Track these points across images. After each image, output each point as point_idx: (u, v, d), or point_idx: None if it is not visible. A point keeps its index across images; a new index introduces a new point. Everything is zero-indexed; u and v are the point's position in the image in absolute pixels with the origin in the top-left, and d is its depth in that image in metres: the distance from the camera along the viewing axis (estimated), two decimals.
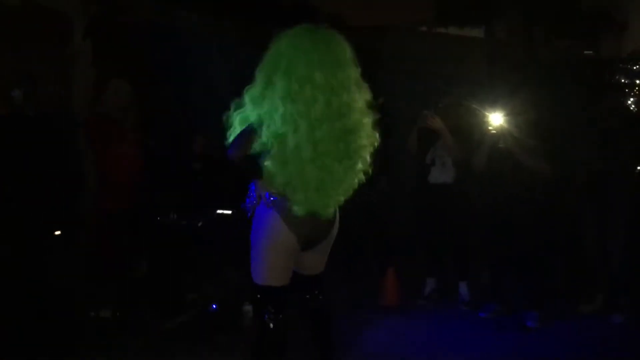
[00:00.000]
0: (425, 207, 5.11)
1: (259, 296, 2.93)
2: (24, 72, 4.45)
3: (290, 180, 2.69)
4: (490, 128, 4.57)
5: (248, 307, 4.57)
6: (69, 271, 4.64)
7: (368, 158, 2.83)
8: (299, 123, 2.62)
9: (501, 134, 4.53)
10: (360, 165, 2.81)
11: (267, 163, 2.72)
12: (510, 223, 4.66)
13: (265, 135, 2.68)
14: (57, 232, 4.27)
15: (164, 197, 4.88)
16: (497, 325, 4.64)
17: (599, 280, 4.89)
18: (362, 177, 2.85)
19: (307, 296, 3.15)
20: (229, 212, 4.86)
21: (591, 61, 7.35)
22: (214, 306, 4.69)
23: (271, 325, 2.88)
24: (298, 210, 2.72)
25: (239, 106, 2.78)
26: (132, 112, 4.60)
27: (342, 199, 2.86)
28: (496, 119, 4.56)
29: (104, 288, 4.73)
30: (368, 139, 2.80)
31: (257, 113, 2.71)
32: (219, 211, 4.92)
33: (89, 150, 4.63)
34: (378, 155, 4.43)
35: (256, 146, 2.72)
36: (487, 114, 4.63)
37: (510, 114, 4.57)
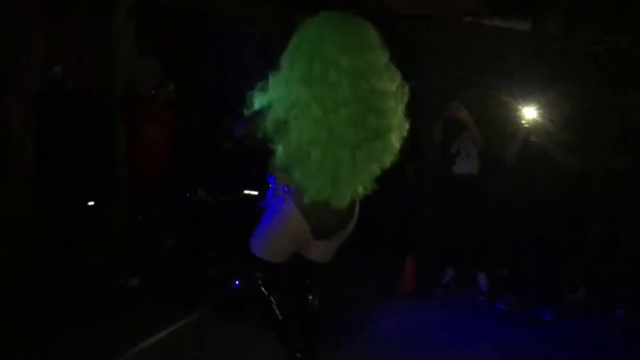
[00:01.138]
0: (448, 197, 5.14)
1: (251, 262, 2.91)
2: (67, 49, 4.67)
3: (301, 167, 2.60)
4: (523, 122, 4.54)
5: None
6: (102, 240, 4.90)
7: (396, 142, 2.69)
8: (312, 107, 2.53)
9: (534, 127, 4.49)
10: (383, 150, 2.66)
11: (278, 149, 2.63)
12: (533, 216, 4.64)
13: (275, 120, 2.59)
14: (91, 203, 4.49)
15: (193, 174, 5.06)
16: (513, 317, 4.65)
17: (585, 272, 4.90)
18: (386, 164, 2.72)
19: (309, 286, 3.08)
20: (256, 192, 5.01)
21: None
22: (237, 282, 4.86)
23: (259, 289, 2.89)
24: (308, 198, 2.64)
25: (262, 89, 2.70)
26: (163, 91, 4.73)
27: (360, 189, 2.71)
28: (529, 113, 4.52)
29: (133, 258, 4.99)
30: (396, 124, 2.67)
31: (271, 97, 2.63)
32: (246, 191, 5.07)
33: (122, 127, 4.84)
34: (406, 143, 4.51)
35: (269, 131, 2.63)
36: (517, 106, 4.61)
37: (543, 107, 4.54)
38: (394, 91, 2.64)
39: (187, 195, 5.01)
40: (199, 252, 5.00)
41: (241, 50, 5.89)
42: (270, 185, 2.82)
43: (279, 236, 2.83)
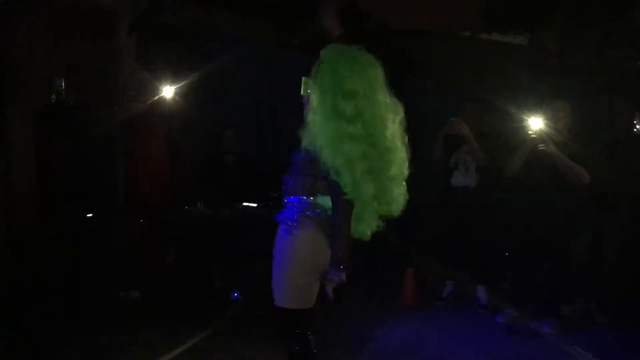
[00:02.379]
0: (447, 210, 5.15)
1: (283, 321, 2.67)
2: (68, 64, 4.72)
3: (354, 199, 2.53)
4: (530, 132, 4.53)
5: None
6: (104, 253, 4.92)
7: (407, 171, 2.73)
8: (370, 143, 2.53)
9: (540, 137, 4.48)
10: (404, 185, 2.73)
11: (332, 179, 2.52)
12: (535, 229, 4.65)
13: (329, 156, 2.51)
14: (89, 215, 4.51)
15: (192, 188, 5.09)
16: (513, 330, 4.63)
17: (581, 284, 4.89)
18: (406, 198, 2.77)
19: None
20: (254, 205, 5.03)
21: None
22: (236, 294, 4.86)
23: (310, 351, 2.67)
24: (357, 233, 2.61)
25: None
26: (159, 105, 4.78)
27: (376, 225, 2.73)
28: (536, 123, 4.51)
29: (134, 272, 5.00)
30: (403, 163, 2.69)
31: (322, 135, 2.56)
32: (245, 204, 5.10)
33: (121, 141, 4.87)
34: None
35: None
36: (522, 117, 4.62)
37: (549, 118, 4.56)
38: (399, 128, 2.67)
39: (187, 209, 5.03)
40: (200, 265, 5.00)
41: (242, 65, 5.94)
42: (297, 204, 2.68)
43: (307, 270, 2.62)
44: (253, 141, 5.39)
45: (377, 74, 2.62)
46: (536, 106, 4.63)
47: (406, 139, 2.69)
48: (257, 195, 5.01)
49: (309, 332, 2.67)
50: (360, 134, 2.51)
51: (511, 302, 4.88)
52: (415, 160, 5.40)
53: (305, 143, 2.63)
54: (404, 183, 2.73)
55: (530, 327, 4.63)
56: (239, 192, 5.21)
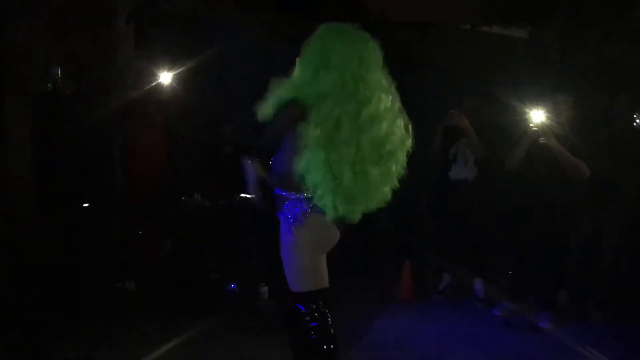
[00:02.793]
0: (444, 202, 5.14)
1: (301, 305, 2.66)
2: (66, 53, 4.69)
3: (320, 180, 2.51)
4: (531, 125, 4.49)
5: (264, 288, 4.72)
6: (100, 243, 4.90)
7: (403, 160, 2.66)
8: (345, 123, 2.48)
9: (542, 130, 4.44)
10: (394, 169, 2.62)
11: (302, 162, 2.52)
12: (534, 222, 4.63)
13: (307, 134, 2.49)
14: (85, 205, 4.48)
15: (189, 178, 5.06)
16: (510, 323, 4.62)
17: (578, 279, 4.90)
18: (396, 182, 2.66)
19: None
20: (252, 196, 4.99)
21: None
22: (232, 285, 4.85)
23: (326, 339, 2.64)
24: (327, 215, 2.56)
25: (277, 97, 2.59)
26: (156, 96, 4.75)
27: (374, 206, 2.65)
28: (537, 116, 4.47)
29: (130, 263, 4.98)
30: (402, 140, 2.63)
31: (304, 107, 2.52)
32: (243, 195, 5.06)
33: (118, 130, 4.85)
34: None
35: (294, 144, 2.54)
36: (523, 110, 4.59)
37: (550, 112, 4.52)
38: (397, 107, 2.64)
39: (184, 200, 5.00)
40: (196, 257, 4.98)
41: (241, 56, 5.91)
42: (287, 199, 2.63)
43: (314, 251, 2.66)
44: (251, 132, 5.34)
45: (370, 52, 2.57)
46: (538, 99, 4.60)
47: (404, 122, 2.63)
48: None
49: (328, 312, 2.67)
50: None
51: (508, 295, 4.87)
52: (414, 152, 5.41)
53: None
54: (394, 164, 2.62)
55: (527, 321, 4.62)
56: (237, 184, 5.17)
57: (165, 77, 4.92)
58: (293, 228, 2.62)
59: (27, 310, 4.20)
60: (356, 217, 2.60)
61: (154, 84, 4.89)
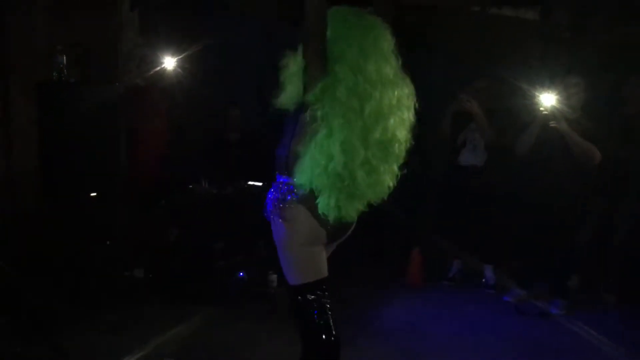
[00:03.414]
0: (454, 188, 5.08)
1: (300, 297, 2.57)
2: (70, 40, 4.65)
3: (325, 181, 2.36)
4: (541, 108, 4.42)
5: (273, 276, 4.71)
6: (108, 231, 4.89)
7: (404, 156, 2.51)
8: (353, 120, 2.32)
9: (552, 114, 4.37)
10: (397, 166, 2.48)
11: (306, 159, 2.38)
12: (544, 207, 4.58)
13: (314, 129, 2.36)
14: (93, 194, 4.47)
15: (196, 165, 5.03)
16: (520, 310, 4.59)
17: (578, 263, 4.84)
18: (395, 180, 2.52)
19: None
20: (259, 183, 4.97)
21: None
22: (241, 274, 4.83)
23: (325, 329, 2.55)
24: (326, 215, 2.41)
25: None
26: (160, 83, 4.73)
27: (369, 203, 2.52)
28: (547, 99, 4.39)
29: (138, 250, 4.98)
30: (406, 137, 2.48)
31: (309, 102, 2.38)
32: (250, 182, 5.04)
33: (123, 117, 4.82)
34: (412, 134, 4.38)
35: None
36: (534, 93, 4.51)
37: (561, 94, 4.45)
38: (408, 101, 2.47)
39: (190, 187, 4.98)
40: (203, 244, 4.97)
41: (247, 41, 5.84)
42: (281, 186, 2.51)
43: (306, 247, 2.53)
44: (258, 119, 5.30)
45: (372, 41, 2.38)
46: (548, 82, 4.53)
47: (409, 118, 2.46)
48: (261, 173, 4.95)
49: (327, 302, 2.58)
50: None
51: (519, 281, 4.83)
52: (423, 137, 5.35)
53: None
54: (393, 165, 2.47)
55: (538, 307, 4.59)
56: (243, 171, 5.15)
57: (171, 64, 4.87)
58: (281, 221, 2.48)
59: (37, 299, 4.20)
60: (354, 215, 2.48)
61: (159, 70, 4.85)
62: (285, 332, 2.88)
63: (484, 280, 5.08)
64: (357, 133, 2.32)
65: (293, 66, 2.50)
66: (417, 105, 2.50)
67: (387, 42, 2.42)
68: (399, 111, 2.41)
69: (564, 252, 4.61)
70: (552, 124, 4.37)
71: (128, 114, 4.79)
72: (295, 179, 2.42)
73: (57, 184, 4.41)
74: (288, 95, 2.50)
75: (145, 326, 4.08)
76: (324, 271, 2.61)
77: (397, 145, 2.43)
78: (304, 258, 2.55)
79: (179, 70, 4.95)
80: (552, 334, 4.21)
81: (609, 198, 4.77)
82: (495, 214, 4.99)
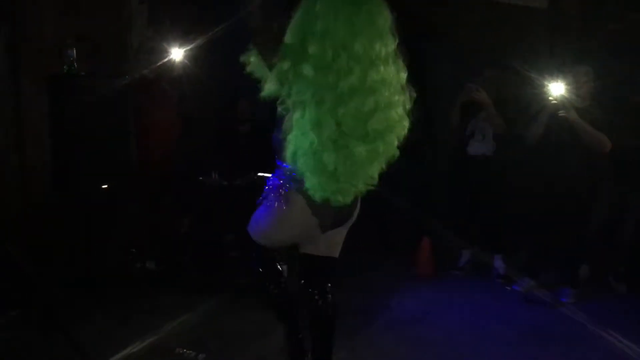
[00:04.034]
0: (463, 178, 5.09)
1: (255, 249, 2.87)
2: (80, 33, 4.67)
3: (306, 161, 2.39)
4: (550, 98, 4.40)
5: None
6: (120, 224, 4.93)
7: (394, 142, 2.48)
8: (324, 96, 2.31)
9: (561, 103, 4.35)
10: (382, 149, 2.45)
11: (285, 139, 2.43)
12: (554, 197, 4.57)
13: (285, 107, 2.41)
14: (104, 186, 4.50)
15: (207, 158, 5.05)
16: (530, 299, 4.60)
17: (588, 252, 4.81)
18: (383, 164, 2.51)
19: (316, 289, 2.84)
20: (270, 175, 4.97)
21: None
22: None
23: (274, 291, 2.86)
24: (312, 195, 2.46)
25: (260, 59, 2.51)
26: (170, 75, 4.74)
27: (362, 187, 2.53)
28: (557, 89, 4.37)
29: (150, 242, 5.02)
30: (399, 120, 2.45)
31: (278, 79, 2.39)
32: (260, 174, 5.05)
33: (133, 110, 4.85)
34: (421, 124, 4.36)
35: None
36: (543, 82, 4.49)
37: (571, 84, 4.43)
38: (400, 83, 2.44)
39: (201, 179, 5.00)
40: (215, 236, 5.00)
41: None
42: (281, 170, 2.60)
43: (282, 231, 2.67)
44: (267, 110, 5.30)
45: (363, 17, 2.32)
46: (557, 71, 4.51)
47: (401, 101, 2.44)
48: (272, 165, 4.96)
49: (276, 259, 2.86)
50: (314, 79, 2.30)
51: (529, 271, 4.84)
52: (432, 127, 5.36)
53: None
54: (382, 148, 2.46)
55: (547, 297, 4.59)
56: (253, 162, 5.16)
57: (180, 56, 4.88)
58: (276, 205, 2.57)
59: (50, 291, 4.26)
60: (341, 198, 2.49)
61: (168, 62, 4.87)
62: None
63: (493, 269, 5.08)
64: (329, 108, 2.31)
65: (254, 59, 2.55)
66: (412, 90, 2.48)
67: (383, 18, 2.37)
68: (386, 90, 2.38)
69: (574, 241, 4.59)
70: (561, 113, 4.36)
71: (138, 107, 4.81)
72: (285, 163, 2.50)
73: (68, 177, 4.44)
74: (267, 85, 2.49)
75: (157, 317, 4.11)
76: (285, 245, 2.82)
77: (380, 124, 2.38)
78: (277, 238, 2.74)
79: (188, 62, 4.95)
80: (561, 323, 4.21)
81: (619, 187, 4.76)
82: (505, 204, 4.99)
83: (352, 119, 2.34)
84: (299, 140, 2.37)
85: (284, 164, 2.54)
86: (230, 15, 5.72)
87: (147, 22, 5.61)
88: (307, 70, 2.30)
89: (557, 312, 4.40)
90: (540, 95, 4.52)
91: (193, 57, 5.04)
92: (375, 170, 2.51)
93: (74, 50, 4.40)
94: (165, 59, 4.86)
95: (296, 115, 2.37)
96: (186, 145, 5.03)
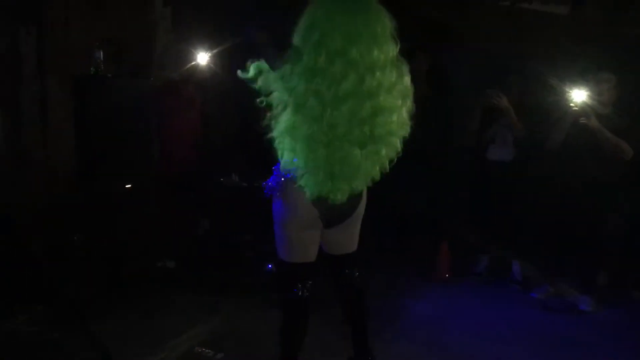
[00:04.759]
0: (482, 183, 5.09)
1: (283, 272, 2.86)
2: (106, 35, 4.76)
3: (304, 162, 2.53)
4: (572, 104, 4.39)
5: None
6: (141, 223, 4.99)
7: (397, 144, 2.60)
8: (314, 101, 2.41)
9: (583, 110, 4.35)
10: (384, 152, 2.57)
11: (279, 139, 2.58)
12: (574, 204, 4.55)
13: (278, 110, 2.53)
14: (128, 186, 4.57)
15: (226, 159, 5.10)
16: (549, 306, 4.59)
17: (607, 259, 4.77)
18: (385, 165, 2.63)
19: (342, 278, 3.02)
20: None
21: None
22: (270, 266, 4.90)
23: (295, 303, 2.84)
24: (307, 193, 2.58)
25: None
26: (195, 77, 4.81)
27: (359, 186, 2.68)
28: (578, 95, 4.36)
29: (169, 242, 5.08)
30: (399, 124, 2.56)
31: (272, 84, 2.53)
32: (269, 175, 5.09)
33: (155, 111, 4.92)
34: (440, 128, 4.33)
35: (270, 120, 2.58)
36: (564, 89, 4.48)
37: (593, 91, 4.41)
38: (401, 87, 2.53)
39: (221, 180, 5.06)
40: (234, 236, 5.05)
41: (277, 34, 5.88)
42: (274, 174, 2.79)
43: (295, 227, 2.75)
44: None
45: (359, 25, 2.39)
46: (579, 78, 4.50)
47: (402, 104, 2.54)
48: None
49: (306, 282, 2.83)
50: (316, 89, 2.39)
51: (547, 277, 4.82)
52: (451, 132, 5.35)
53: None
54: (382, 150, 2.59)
55: (566, 303, 4.58)
56: (273, 164, 5.20)
57: (203, 58, 4.95)
58: (277, 198, 2.76)
59: (71, 288, 4.33)
60: (339, 196, 2.60)
61: (192, 65, 4.93)
62: (313, 321, 2.95)
63: (511, 275, 5.07)
64: (317, 111, 2.41)
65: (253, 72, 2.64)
66: (411, 94, 2.58)
67: (381, 25, 2.44)
68: (385, 95, 2.46)
69: (593, 249, 4.57)
70: (583, 120, 4.35)
71: (161, 108, 4.88)
72: (282, 162, 2.67)
73: (92, 176, 4.51)
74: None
75: (176, 315, 4.18)
76: (310, 256, 2.83)
77: (382, 128, 2.50)
78: (294, 240, 2.77)
79: (211, 65, 5.01)
80: (579, 331, 4.20)
81: (639, 195, 4.73)
82: (524, 210, 4.98)
83: (347, 122, 2.44)
84: (286, 141, 2.54)
85: (281, 163, 2.70)
86: (253, 18, 5.81)
87: (172, 24, 5.69)
88: (299, 73, 2.42)
89: (575, 319, 4.39)
90: (561, 101, 4.51)
91: (216, 60, 5.10)
92: (376, 171, 2.63)
93: (101, 52, 4.47)
94: (189, 62, 4.91)
95: (285, 116, 2.49)
96: (207, 146, 5.08)
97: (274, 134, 2.58)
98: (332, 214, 2.75)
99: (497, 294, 4.88)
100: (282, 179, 2.71)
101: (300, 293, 2.82)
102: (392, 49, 2.48)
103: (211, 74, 5.03)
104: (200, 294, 4.56)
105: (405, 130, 2.61)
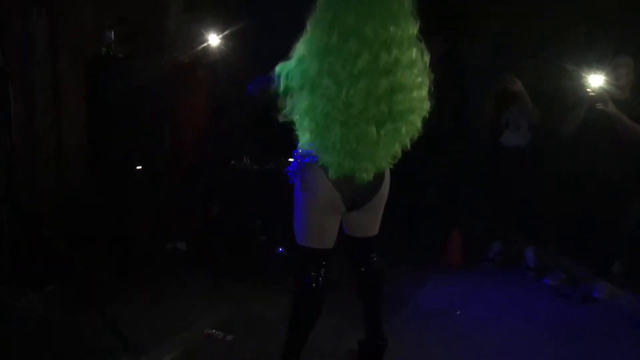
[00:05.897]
0: (496, 169, 5.03)
1: (301, 257, 2.84)
2: (118, 17, 4.73)
3: (321, 142, 2.53)
4: (588, 90, 4.31)
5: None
6: (152, 205, 4.99)
7: (417, 122, 2.59)
8: (329, 80, 2.41)
9: (600, 95, 4.27)
10: (404, 130, 2.56)
11: (298, 122, 2.60)
12: (587, 191, 4.50)
13: (295, 90, 2.54)
14: (139, 167, 4.56)
15: (238, 142, 5.09)
16: (561, 293, 4.55)
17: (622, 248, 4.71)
18: (406, 143, 2.62)
19: (361, 261, 3.05)
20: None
21: None
22: (280, 249, 4.89)
23: (311, 288, 2.81)
24: (330, 173, 2.58)
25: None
26: (205, 58, 4.77)
27: (382, 164, 2.66)
28: (595, 80, 4.28)
29: (181, 224, 5.08)
30: (419, 101, 2.55)
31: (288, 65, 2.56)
32: (290, 159, 5.06)
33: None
34: (455, 116, 4.29)
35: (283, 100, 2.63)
36: (581, 74, 4.40)
37: (610, 75, 4.34)
38: (420, 65, 2.51)
39: (233, 163, 5.04)
40: (244, 219, 5.04)
41: (290, 16, 5.82)
42: (294, 158, 2.76)
43: (316, 211, 2.72)
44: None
45: (378, 3, 2.38)
46: (596, 62, 4.41)
47: (419, 83, 2.52)
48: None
49: (323, 269, 2.82)
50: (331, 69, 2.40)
51: (560, 264, 4.78)
52: (465, 117, 5.28)
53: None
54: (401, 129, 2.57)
55: (579, 290, 4.54)
56: (285, 147, 5.16)
57: (215, 41, 4.90)
58: (299, 181, 2.71)
59: (84, 270, 4.34)
60: (364, 175, 2.60)
61: (203, 47, 4.89)
62: (325, 306, 2.94)
63: (524, 261, 5.03)
64: (333, 91, 2.41)
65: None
66: (430, 74, 2.57)
67: (398, 2, 2.43)
68: (404, 72, 2.45)
69: (608, 237, 4.52)
70: (599, 105, 4.27)
71: (173, 90, 4.85)
72: (301, 143, 2.66)
73: (104, 158, 4.50)
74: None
75: (186, 298, 4.20)
76: (328, 242, 2.81)
77: (402, 105, 2.48)
78: (314, 224, 2.75)
79: (223, 47, 4.97)
80: (593, 318, 4.16)
81: None
82: (538, 196, 4.92)
83: (363, 100, 2.42)
84: (305, 122, 2.53)
85: (301, 144, 2.68)
86: (267, 1, 5.75)
87: (184, 6, 5.65)
88: (312, 53, 2.43)
89: (587, 307, 4.35)
90: (577, 86, 4.43)
91: (227, 42, 5.06)
92: (398, 149, 2.63)
93: (112, 33, 4.44)
94: (201, 44, 4.87)
95: (303, 97, 2.51)
96: (219, 129, 5.06)
97: (293, 116, 2.59)
98: (355, 195, 2.73)
99: (510, 280, 4.85)
100: (303, 162, 2.69)
101: (313, 280, 2.80)
102: (412, 27, 2.47)
103: (222, 55, 4.99)
104: (211, 277, 4.58)
105: (425, 109, 2.60)
